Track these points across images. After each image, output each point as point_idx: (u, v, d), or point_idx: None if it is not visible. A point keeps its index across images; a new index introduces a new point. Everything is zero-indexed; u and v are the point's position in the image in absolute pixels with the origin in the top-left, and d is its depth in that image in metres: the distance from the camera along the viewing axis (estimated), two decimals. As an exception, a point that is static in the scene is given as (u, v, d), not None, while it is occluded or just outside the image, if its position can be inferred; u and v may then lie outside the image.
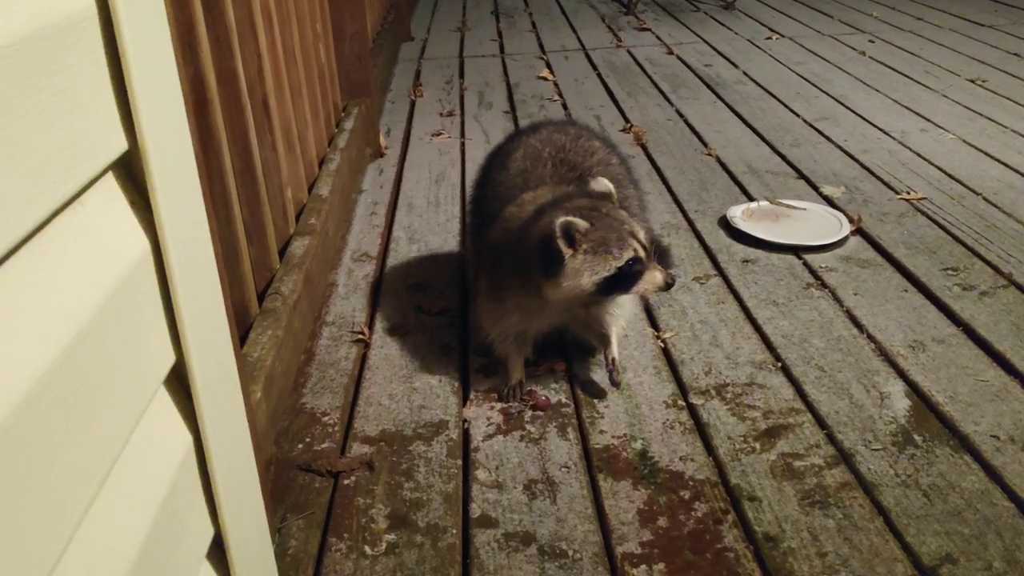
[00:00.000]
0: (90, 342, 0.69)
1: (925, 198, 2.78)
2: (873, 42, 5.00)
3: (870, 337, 2.01)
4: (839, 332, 2.04)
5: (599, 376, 1.92)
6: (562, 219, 1.61)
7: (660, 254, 2.29)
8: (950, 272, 2.29)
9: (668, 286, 1.68)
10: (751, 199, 2.82)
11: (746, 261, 2.42)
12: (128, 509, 0.76)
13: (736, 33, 5.39)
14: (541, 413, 1.80)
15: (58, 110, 0.66)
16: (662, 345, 2.03)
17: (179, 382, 0.88)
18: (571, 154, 1.98)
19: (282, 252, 2.13)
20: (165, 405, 0.85)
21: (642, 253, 1.65)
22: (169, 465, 0.84)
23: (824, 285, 2.27)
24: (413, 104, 4.13)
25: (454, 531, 1.49)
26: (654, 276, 1.67)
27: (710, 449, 1.67)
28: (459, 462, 1.66)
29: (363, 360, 2.02)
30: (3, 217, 0.58)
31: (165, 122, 0.83)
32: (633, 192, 2.07)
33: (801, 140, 3.40)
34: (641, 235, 1.67)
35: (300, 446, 1.72)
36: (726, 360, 1.95)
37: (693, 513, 1.51)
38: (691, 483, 1.58)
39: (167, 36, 0.85)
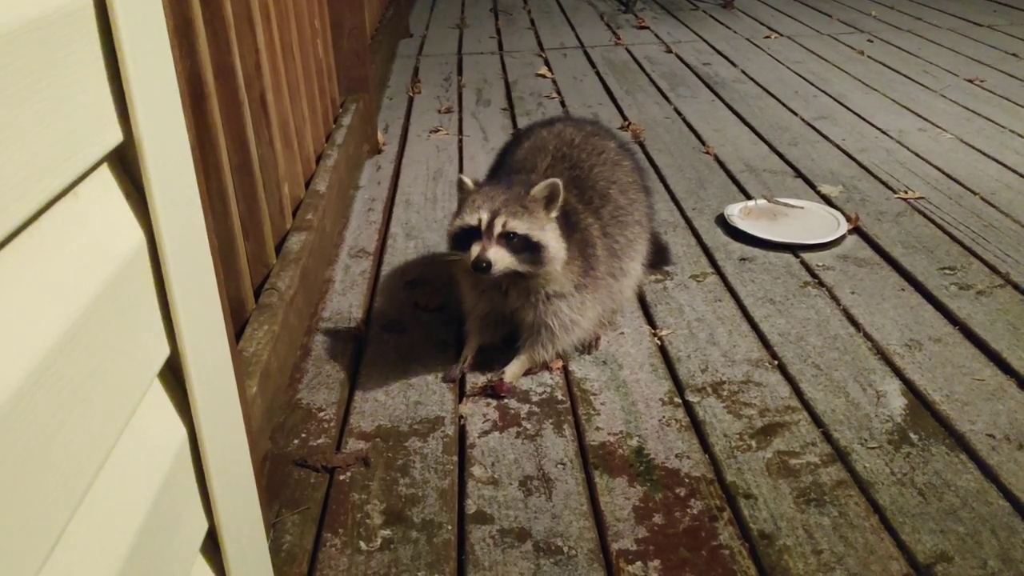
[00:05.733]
0: (84, 334, 0.68)
1: (923, 197, 2.78)
2: (872, 41, 5.00)
3: (867, 336, 2.01)
4: (836, 330, 2.04)
5: (595, 373, 1.92)
6: (460, 175, 1.85)
7: (659, 252, 2.31)
8: (947, 271, 2.30)
9: (473, 264, 1.68)
10: (749, 197, 2.82)
11: (743, 259, 2.42)
12: (122, 502, 0.76)
13: (735, 32, 5.39)
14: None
15: (52, 101, 0.66)
16: (659, 342, 2.03)
17: (173, 375, 0.87)
18: (577, 150, 2.00)
19: (279, 248, 2.12)
20: (159, 398, 0.85)
21: (483, 226, 1.69)
22: (163, 458, 0.84)
23: (821, 284, 2.27)
24: (411, 101, 4.13)
25: (449, 527, 1.49)
26: (470, 251, 1.70)
27: (706, 446, 1.67)
28: (455, 458, 1.66)
29: (359, 356, 2.02)
30: (-4, 208, 0.58)
31: (160, 114, 0.82)
32: (643, 200, 2.08)
33: (799, 139, 3.40)
34: (487, 215, 1.69)
35: (296, 441, 1.72)
36: (723, 358, 1.95)
37: (689, 510, 1.51)
38: (687, 480, 1.58)
39: (163, 28, 0.85)
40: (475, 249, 1.69)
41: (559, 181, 1.73)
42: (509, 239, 1.70)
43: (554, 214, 1.75)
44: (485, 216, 1.70)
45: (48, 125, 0.65)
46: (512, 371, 1.87)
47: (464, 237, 1.73)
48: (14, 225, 0.60)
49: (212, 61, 1.70)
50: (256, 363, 1.64)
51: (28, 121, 0.62)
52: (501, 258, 1.69)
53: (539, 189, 1.72)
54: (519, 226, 1.70)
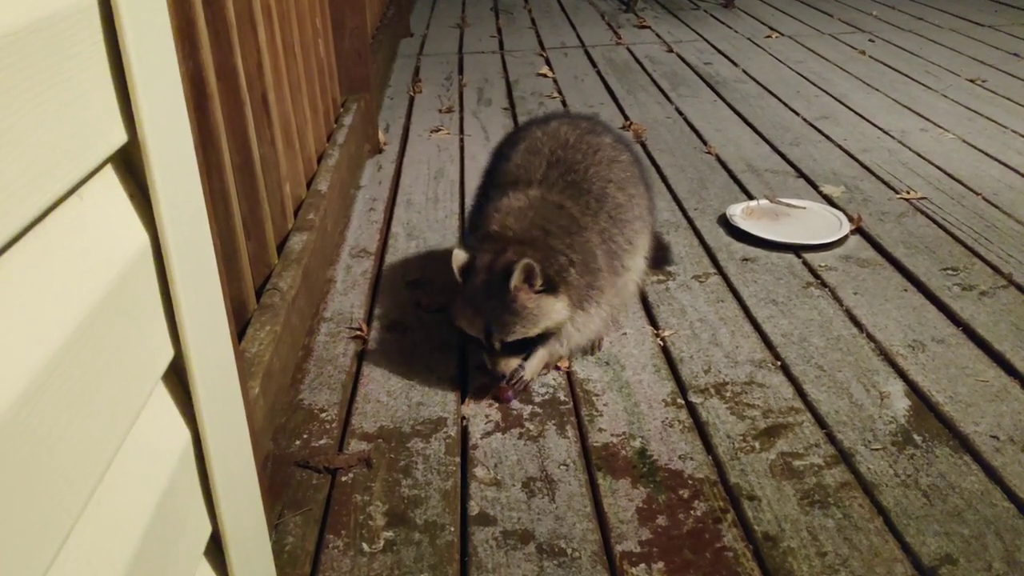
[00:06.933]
0: (89, 336, 0.68)
1: (925, 198, 2.77)
2: (873, 41, 4.99)
3: (870, 336, 2.01)
4: (839, 331, 2.04)
5: (598, 374, 1.91)
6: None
7: (660, 252, 2.30)
8: (950, 272, 2.29)
9: (491, 375, 1.81)
10: (751, 198, 2.82)
11: (746, 260, 2.42)
12: (126, 505, 0.75)
13: (736, 31, 5.39)
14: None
15: (57, 101, 0.65)
16: (661, 343, 2.02)
17: (178, 377, 0.87)
18: (571, 151, 1.97)
19: (280, 248, 2.12)
20: (163, 400, 0.85)
21: (483, 341, 1.77)
22: (167, 461, 0.84)
23: (824, 284, 2.26)
24: (412, 100, 4.12)
25: (452, 529, 1.49)
26: (485, 359, 1.80)
27: (709, 448, 1.67)
28: (457, 459, 1.66)
29: (361, 356, 2.02)
30: (0, 210, 0.57)
31: (165, 115, 0.82)
32: (643, 193, 2.05)
33: (801, 139, 3.39)
34: (481, 332, 1.75)
35: (298, 442, 1.72)
36: (725, 359, 1.95)
37: (692, 512, 1.50)
38: (690, 482, 1.58)
39: (168, 28, 0.84)
40: (488, 362, 1.79)
41: (532, 262, 1.69)
42: (510, 348, 1.76)
43: (539, 283, 1.72)
44: (480, 333, 1.76)
45: (53, 126, 0.64)
46: (532, 368, 1.86)
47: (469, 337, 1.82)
48: (20, 226, 0.60)
49: (214, 61, 1.69)
50: (258, 364, 1.64)
51: (33, 122, 0.62)
52: (511, 365, 1.79)
53: (516, 278, 1.70)
54: (513, 335, 1.74)
